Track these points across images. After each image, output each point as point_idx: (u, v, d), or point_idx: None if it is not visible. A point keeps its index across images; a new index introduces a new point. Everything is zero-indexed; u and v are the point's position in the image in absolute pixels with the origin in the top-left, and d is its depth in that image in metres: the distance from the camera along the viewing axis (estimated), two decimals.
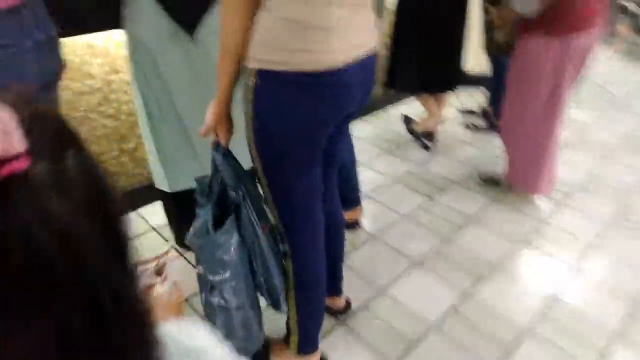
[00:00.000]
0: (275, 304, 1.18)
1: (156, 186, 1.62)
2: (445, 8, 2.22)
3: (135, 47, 1.33)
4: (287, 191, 1.09)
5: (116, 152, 1.91)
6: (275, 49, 0.89)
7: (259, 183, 1.08)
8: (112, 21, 1.34)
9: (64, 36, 1.41)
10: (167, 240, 1.88)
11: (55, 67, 1.19)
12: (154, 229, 1.95)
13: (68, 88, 1.67)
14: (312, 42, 0.88)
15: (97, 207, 0.34)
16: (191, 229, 1.09)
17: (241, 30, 0.89)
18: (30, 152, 0.30)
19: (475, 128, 2.89)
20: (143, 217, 2.00)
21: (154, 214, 1.97)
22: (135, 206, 2.03)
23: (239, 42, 0.90)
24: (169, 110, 1.44)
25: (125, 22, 1.32)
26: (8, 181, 0.29)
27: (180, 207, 1.67)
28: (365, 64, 1.00)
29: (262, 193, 1.10)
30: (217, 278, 1.08)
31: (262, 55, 0.90)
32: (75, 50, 1.63)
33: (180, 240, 1.81)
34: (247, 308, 1.12)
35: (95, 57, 1.69)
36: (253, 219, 1.07)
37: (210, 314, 1.14)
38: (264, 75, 0.91)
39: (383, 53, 2.39)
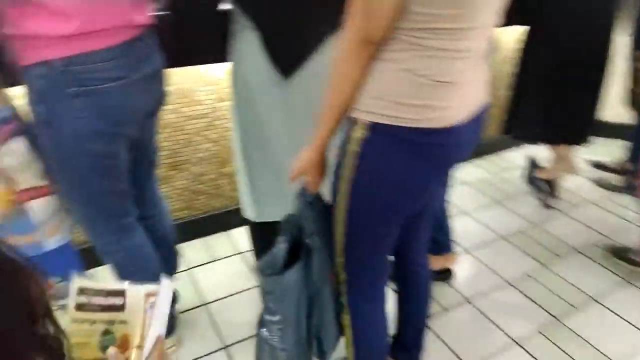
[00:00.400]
0: (322, 356, 1.15)
1: (242, 213, 1.62)
2: (584, 51, 1.92)
3: (237, 81, 1.34)
4: (366, 247, 1.03)
5: (215, 174, 1.97)
6: (392, 102, 0.84)
7: (334, 228, 1.03)
8: (218, 55, 1.36)
9: (175, 66, 1.49)
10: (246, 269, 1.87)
11: (159, 97, 1.23)
12: (240, 253, 1.96)
13: (178, 112, 1.76)
14: (434, 97, 0.83)
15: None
16: (264, 258, 1.09)
17: (353, 80, 0.85)
18: None
19: (608, 186, 2.47)
20: (232, 240, 2.03)
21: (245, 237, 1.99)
22: (227, 227, 2.07)
23: (348, 93, 0.87)
24: (263, 145, 1.43)
25: (231, 56, 1.33)
26: None
27: (263, 237, 1.65)
28: (477, 120, 0.93)
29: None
30: (268, 317, 1.09)
31: (377, 108, 0.85)
32: (188, 77, 1.71)
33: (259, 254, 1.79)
34: (293, 354, 1.10)
35: (205, 85, 1.76)
36: (322, 268, 1.05)
37: (258, 344, 1.14)
38: (375, 129, 0.86)
39: (501, 94, 2.16)
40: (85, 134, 1.04)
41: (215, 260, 1.93)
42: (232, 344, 1.55)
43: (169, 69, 1.59)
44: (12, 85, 1.10)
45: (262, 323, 1.11)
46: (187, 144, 1.84)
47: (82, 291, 0.59)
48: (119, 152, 1.14)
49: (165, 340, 0.63)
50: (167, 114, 1.74)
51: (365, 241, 1.01)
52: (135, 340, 0.60)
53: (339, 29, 0.86)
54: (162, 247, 1.43)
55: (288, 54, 1.27)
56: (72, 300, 0.59)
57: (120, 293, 0.60)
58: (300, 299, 1.07)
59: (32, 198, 1.13)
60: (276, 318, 1.08)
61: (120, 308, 0.60)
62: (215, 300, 1.72)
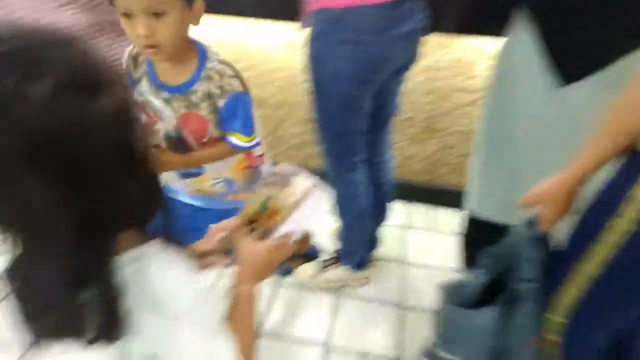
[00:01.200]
0: None
1: (464, 202, 1.57)
2: None
3: (501, 67, 1.25)
4: None
5: (465, 151, 1.93)
6: None
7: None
8: (500, 29, 1.29)
9: (452, 31, 1.49)
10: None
11: (411, 56, 1.32)
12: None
13: (448, 80, 1.77)
14: None
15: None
16: (453, 283, 0.96)
17: None
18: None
19: None
20: (455, 220, 2.00)
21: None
22: (456, 206, 2.03)
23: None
24: (510, 144, 1.32)
25: (505, 41, 1.24)
26: None
27: (479, 233, 1.57)
28: None
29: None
30: (444, 353, 0.95)
31: None
32: (467, 49, 1.68)
33: (466, 261, 1.73)
34: None
35: (483, 59, 1.69)
36: (525, 326, 0.85)
37: None
38: None
39: None
40: (343, 75, 1.22)
41: (432, 231, 1.96)
42: (409, 307, 1.61)
43: (448, 35, 1.63)
44: None
45: (432, 355, 0.98)
46: (448, 113, 1.85)
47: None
48: (365, 96, 1.30)
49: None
50: (436, 81, 1.78)
51: None
52: (280, 216, 0.74)
53: None
54: (378, 193, 1.56)
55: (574, 60, 1.09)
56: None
57: (288, 175, 0.75)
58: (489, 351, 0.89)
59: (261, 163, 1.35)
60: (453, 358, 0.94)
61: (283, 186, 0.75)
62: (413, 265, 1.79)
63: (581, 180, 0.77)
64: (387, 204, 1.66)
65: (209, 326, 0.56)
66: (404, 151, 2.00)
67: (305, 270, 1.68)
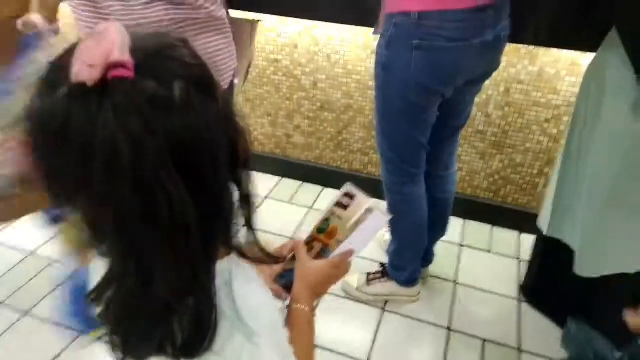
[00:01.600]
0: None
1: (537, 222, 1.47)
2: None
3: (589, 78, 1.14)
4: None
5: (537, 170, 1.80)
6: None
7: None
8: (589, 43, 1.18)
9: (535, 44, 1.38)
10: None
11: (489, 66, 1.23)
12: (518, 259, 1.80)
13: (527, 94, 1.65)
14: None
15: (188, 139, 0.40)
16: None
17: None
18: (139, 69, 0.38)
19: None
20: (518, 243, 1.87)
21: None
22: (521, 228, 1.91)
23: None
24: (585, 163, 1.21)
25: (595, 56, 1.13)
26: (114, 85, 0.37)
27: (548, 256, 1.46)
28: None
29: None
30: None
31: None
32: (554, 62, 1.56)
33: (526, 287, 1.61)
34: None
35: (569, 75, 1.56)
36: None
37: None
38: None
39: None
40: (412, 83, 1.15)
41: (489, 252, 1.85)
42: (455, 330, 1.52)
43: (533, 47, 1.51)
44: None
45: None
46: (521, 129, 1.73)
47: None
48: (430, 107, 1.22)
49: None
50: (516, 93, 1.66)
51: None
52: (339, 236, 0.73)
53: None
54: (437, 208, 1.48)
55: None
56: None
57: (351, 196, 0.73)
58: None
59: None
60: None
61: (345, 207, 0.73)
62: (467, 286, 1.69)
63: None
64: (446, 219, 1.57)
65: (284, 348, 0.55)
66: (470, 165, 1.90)
67: (351, 281, 1.64)
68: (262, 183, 2.24)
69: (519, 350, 1.46)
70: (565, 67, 1.55)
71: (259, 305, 0.51)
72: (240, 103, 2.16)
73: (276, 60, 1.98)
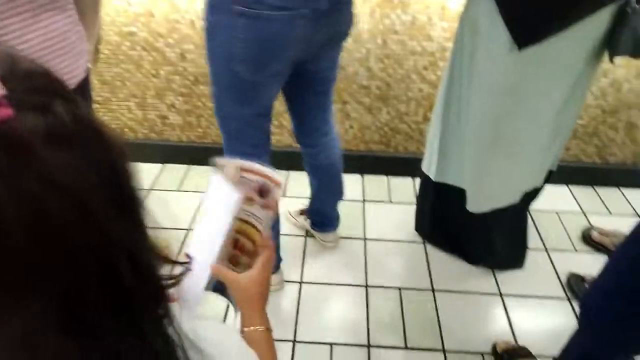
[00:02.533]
0: None
1: (422, 168, 1.52)
2: None
3: (463, 26, 1.16)
4: None
5: (420, 117, 1.86)
6: None
7: None
8: None
9: None
10: None
11: (336, 31, 1.13)
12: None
13: (403, 44, 1.66)
14: None
15: (100, 158, 0.31)
16: None
17: None
18: (11, 101, 0.27)
19: None
20: (413, 188, 1.96)
21: None
22: (414, 174, 1.99)
23: None
24: (466, 108, 1.26)
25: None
26: None
27: (433, 196, 1.55)
28: None
29: None
30: None
31: None
32: (426, 9, 1.57)
33: (418, 225, 1.70)
34: None
35: (442, 21, 1.59)
36: None
37: None
38: None
39: None
40: (236, 54, 1.02)
41: (389, 202, 1.90)
42: (372, 286, 1.55)
43: None
44: None
45: None
46: (402, 79, 1.76)
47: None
48: (264, 84, 1.10)
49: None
50: (392, 44, 1.66)
51: None
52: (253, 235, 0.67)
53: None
54: (327, 174, 1.47)
55: (525, 23, 1.04)
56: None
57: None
58: None
59: None
60: None
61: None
62: (376, 240, 1.73)
63: None
64: (339, 182, 1.54)
65: None
66: (359, 121, 1.89)
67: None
68: (141, 174, 2.00)
69: (433, 290, 1.55)
70: (437, 13, 1.58)
71: (220, 339, 0.47)
72: (95, 87, 1.85)
73: (131, 33, 1.71)
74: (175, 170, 2.02)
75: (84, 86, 1.01)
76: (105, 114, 1.94)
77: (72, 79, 0.98)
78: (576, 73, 1.13)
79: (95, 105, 1.91)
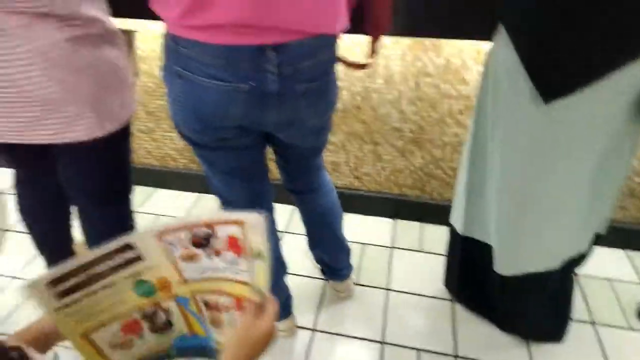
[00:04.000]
0: None
1: (450, 219, 1.41)
2: None
3: (486, 75, 1.07)
4: None
5: (456, 163, 1.75)
6: None
7: None
8: (485, 33, 1.10)
9: (442, 36, 1.30)
10: None
11: (295, 116, 0.99)
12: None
13: (436, 87, 1.58)
14: None
15: None
16: None
17: None
18: None
19: None
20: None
21: None
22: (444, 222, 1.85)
23: None
24: (492, 161, 1.15)
25: (492, 47, 1.06)
26: None
27: (462, 251, 1.42)
28: None
29: None
30: None
31: None
32: (462, 52, 1.49)
33: (447, 280, 1.57)
34: None
35: (477, 64, 1.50)
36: None
37: None
38: None
39: None
40: (180, 116, 0.97)
41: (420, 251, 1.79)
42: (388, 343, 1.44)
43: (440, 39, 1.43)
44: None
45: None
46: (436, 123, 1.66)
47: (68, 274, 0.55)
48: (211, 145, 1.02)
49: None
50: (425, 87, 1.59)
51: None
52: (175, 277, 0.61)
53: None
54: (322, 223, 1.40)
55: (551, 74, 0.93)
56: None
57: (128, 247, 0.57)
58: None
59: None
60: None
61: (137, 259, 0.59)
62: (399, 291, 1.61)
63: None
64: (336, 230, 1.43)
65: None
66: (392, 164, 1.82)
67: None
68: (179, 201, 2.07)
69: (456, 357, 1.40)
70: (471, 57, 1.49)
71: None
72: (141, 117, 1.96)
73: None
74: (211, 200, 2.06)
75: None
76: (149, 142, 2.04)
77: (128, 111, 1.05)
78: (615, 128, 0.99)
79: (139, 134, 2.02)
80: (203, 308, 0.66)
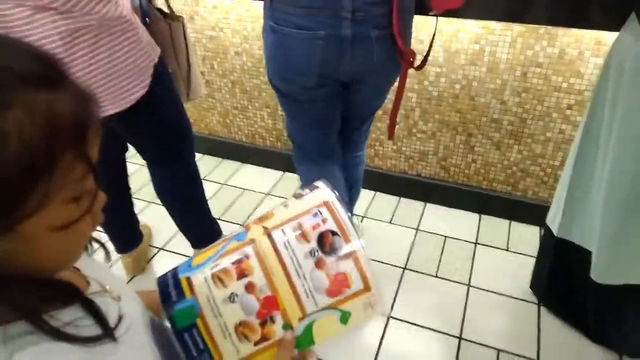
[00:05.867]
0: None
1: (546, 220, 1.33)
2: None
3: (608, 67, 0.98)
4: None
5: (558, 162, 1.63)
6: None
7: None
8: (614, 21, 1.01)
9: (556, 24, 1.21)
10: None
11: (372, 64, 1.10)
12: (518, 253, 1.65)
13: (546, 78, 1.48)
14: None
15: None
16: None
17: None
18: None
19: None
20: (517, 236, 1.72)
21: None
22: (537, 221, 1.75)
23: None
24: (603, 159, 1.06)
25: (618, 36, 0.97)
26: None
27: (554, 253, 1.33)
28: None
29: None
30: None
31: None
32: (580, 42, 1.37)
33: (535, 282, 1.48)
34: None
35: (596, 57, 1.37)
36: None
37: None
38: None
39: None
40: (272, 67, 1.12)
41: (506, 250, 1.70)
42: (467, 340, 1.40)
43: (553, 26, 1.34)
44: None
45: None
46: (541, 117, 1.56)
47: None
48: (296, 95, 1.16)
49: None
50: (533, 77, 1.49)
51: None
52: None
53: None
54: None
55: None
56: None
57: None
58: None
59: None
60: None
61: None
62: (481, 289, 1.56)
63: None
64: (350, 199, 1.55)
65: None
66: (484, 157, 1.74)
67: None
68: (264, 178, 2.14)
69: None
70: (590, 47, 1.37)
71: None
72: (237, 95, 2.04)
73: None
74: (294, 180, 2.12)
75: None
76: (242, 120, 2.13)
77: (134, 95, 1.08)
78: None
79: (234, 111, 2.11)
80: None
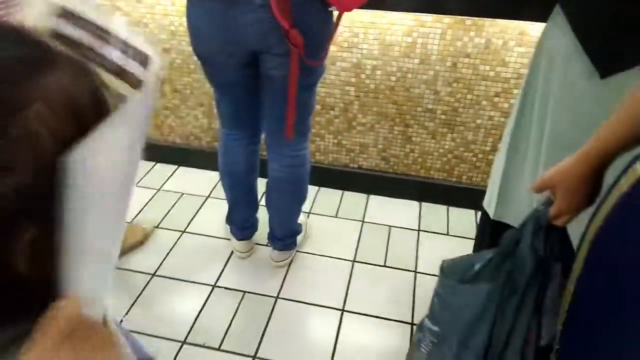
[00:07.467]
0: None
1: (483, 204, 1.40)
2: None
3: (539, 54, 1.05)
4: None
5: (489, 147, 1.73)
6: None
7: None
8: (537, 13, 1.07)
9: (482, 15, 1.27)
10: None
11: (263, 37, 1.15)
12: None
13: (474, 68, 1.56)
14: None
15: None
16: (454, 260, 0.93)
17: None
18: None
19: None
20: (454, 218, 1.82)
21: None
22: (471, 205, 1.84)
23: None
24: (536, 139, 1.13)
25: (546, 28, 1.04)
26: None
27: (492, 236, 1.41)
28: None
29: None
30: (428, 323, 0.93)
31: None
32: (504, 32, 1.46)
33: None
34: None
35: (520, 46, 1.47)
36: (531, 316, 0.80)
37: (412, 345, 1.04)
38: None
39: None
40: (191, 37, 1.20)
41: (446, 235, 1.78)
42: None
43: (479, 18, 1.40)
44: None
45: (421, 325, 0.96)
46: (471, 105, 1.64)
47: None
48: (213, 62, 1.24)
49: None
50: (463, 67, 1.56)
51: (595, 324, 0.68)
52: None
53: None
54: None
55: (608, 50, 0.91)
56: None
57: None
58: (477, 324, 0.86)
59: None
60: (435, 329, 0.91)
61: None
62: (428, 274, 1.61)
63: (595, 163, 0.66)
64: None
65: None
66: (421, 146, 1.80)
67: None
68: (201, 182, 2.05)
69: None
70: (514, 37, 1.46)
71: None
72: (167, 94, 1.94)
73: None
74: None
75: None
76: (173, 120, 2.02)
77: None
78: None
79: (165, 112, 2.00)
80: None
